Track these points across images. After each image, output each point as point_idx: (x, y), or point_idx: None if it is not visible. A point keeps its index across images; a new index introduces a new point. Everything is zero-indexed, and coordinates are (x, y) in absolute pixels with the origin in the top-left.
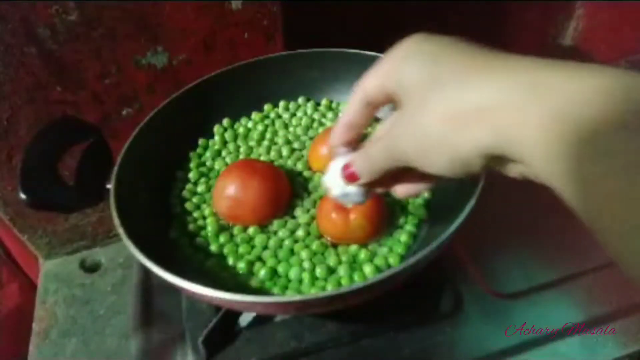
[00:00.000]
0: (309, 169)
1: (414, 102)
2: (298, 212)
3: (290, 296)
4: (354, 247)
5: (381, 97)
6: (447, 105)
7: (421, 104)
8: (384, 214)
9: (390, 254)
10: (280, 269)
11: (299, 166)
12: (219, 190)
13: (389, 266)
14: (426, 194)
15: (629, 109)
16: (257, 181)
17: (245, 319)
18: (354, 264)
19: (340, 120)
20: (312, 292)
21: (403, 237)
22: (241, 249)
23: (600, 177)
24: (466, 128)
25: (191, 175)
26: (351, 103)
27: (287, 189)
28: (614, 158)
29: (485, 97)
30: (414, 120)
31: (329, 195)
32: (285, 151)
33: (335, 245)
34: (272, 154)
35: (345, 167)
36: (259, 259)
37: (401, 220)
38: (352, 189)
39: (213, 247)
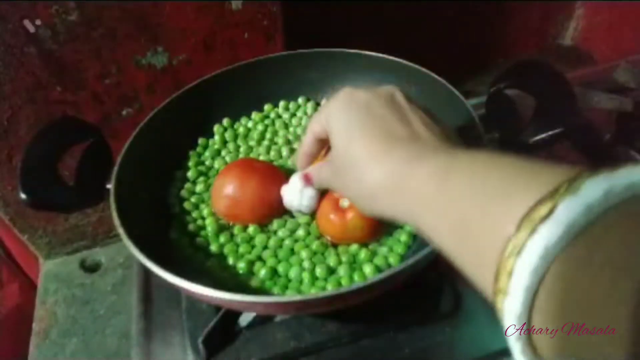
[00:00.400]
0: None
1: (340, 166)
2: None
3: (290, 296)
4: (354, 247)
5: (326, 136)
6: (357, 186)
7: (342, 176)
8: None
9: (390, 254)
10: (280, 268)
11: None
12: (217, 190)
13: (389, 266)
14: None
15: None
16: (255, 181)
17: (245, 319)
18: (354, 264)
19: (300, 151)
20: (312, 292)
21: (403, 237)
22: (241, 249)
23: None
24: (370, 202)
25: (190, 174)
26: (306, 139)
27: None
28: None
29: (378, 180)
30: (343, 186)
31: (284, 202)
32: (285, 151)
33: (335, 245)
34: (272, 154)
35: (304, 173)
36: (259, 258)
37: None
38: (306, 194)
39: (213, 247)
